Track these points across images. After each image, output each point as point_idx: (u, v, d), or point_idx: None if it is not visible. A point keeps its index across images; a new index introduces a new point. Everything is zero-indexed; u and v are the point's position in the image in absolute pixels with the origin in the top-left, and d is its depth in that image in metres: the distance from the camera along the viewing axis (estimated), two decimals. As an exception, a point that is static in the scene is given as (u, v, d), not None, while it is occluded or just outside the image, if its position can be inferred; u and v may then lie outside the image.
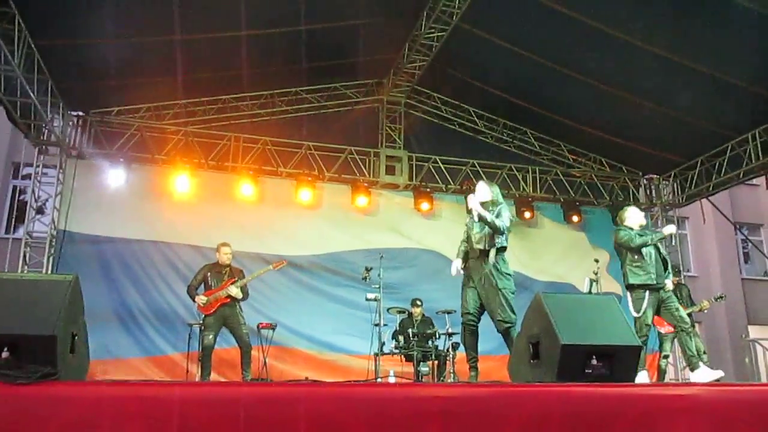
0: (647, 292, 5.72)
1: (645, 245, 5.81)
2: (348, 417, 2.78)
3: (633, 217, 6.11)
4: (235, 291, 7.22)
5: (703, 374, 5.45)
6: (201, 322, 7.60)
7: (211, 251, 9.52)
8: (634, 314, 5.76)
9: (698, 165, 11.06)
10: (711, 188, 11.02)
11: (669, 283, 5.88)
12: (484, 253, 5.28)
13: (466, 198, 5.71)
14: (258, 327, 8.37)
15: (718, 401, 3.27)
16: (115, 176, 9.59)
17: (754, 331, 17.51)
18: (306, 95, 10.82)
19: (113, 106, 9.84)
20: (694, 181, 11.24)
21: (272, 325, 8.51)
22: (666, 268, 5.91)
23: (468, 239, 5.47)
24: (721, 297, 9.79)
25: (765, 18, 7.49)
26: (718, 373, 5.55)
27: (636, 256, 5.83)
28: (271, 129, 10.49)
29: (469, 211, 5.57)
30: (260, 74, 9.89)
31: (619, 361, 3.31)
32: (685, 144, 10.76)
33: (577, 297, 3.74)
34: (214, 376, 7.96)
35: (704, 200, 11.62)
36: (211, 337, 7.12)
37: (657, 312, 5.84)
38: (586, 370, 3.25)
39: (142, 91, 9.62)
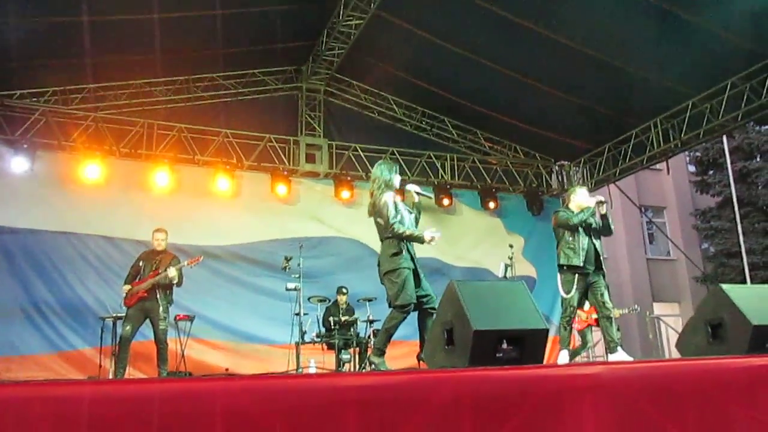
0: (576, 275, 5.86)
1: (583, 222, 5.88)
2: (264, 410, 2.77)
3: (578, 197, 6.10)
4: (173, 273, 7.01)
5: (621, 357, 5.73)
6: (117, 314, 7.42)
7: (124, 242, 9.27)
8: (563, 294, 5.91)
9: (605, 152, 11.59)
10: (617, 173, 11.58)
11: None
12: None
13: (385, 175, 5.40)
14: (175, 319, 8.17)
15: (620, 378, 3.46)
16: (18, 163, 9.05)
17: (658, 308, 18.63)
18: (223, 81, 10.57)
19: (15, 89, 9.28)
20: (602, 167, 11.78)
21: (190, 317, 8.34)
22: (598, 261, 5.98)
23: (411, 225, 5.15)
24: (635, 309, 10.40)
25: (666, 12, 7.92)
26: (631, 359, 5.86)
27: (571, 239, 5.92)
28: (186, 116, 10.20)
29: (404, 198, 5.38)
30: (174, 59, 9.57)
31: (529, 345, 3.46)
32: (593, 132, 11.24)
33: (489, 284, 3.88)
34: (129, 371, 7.75)
35: (612, 185, 12.19)
36: (128, 328, 6.90)
37: (584, 295, 6.05)
38: (497, 354, 3.38)
39: (47, 73, 9.12)
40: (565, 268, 5.94)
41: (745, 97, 9.00)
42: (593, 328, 9.28)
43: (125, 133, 9.77)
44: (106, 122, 9.67)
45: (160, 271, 6.99)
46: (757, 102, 8.88)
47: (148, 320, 7.00)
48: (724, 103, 9.27)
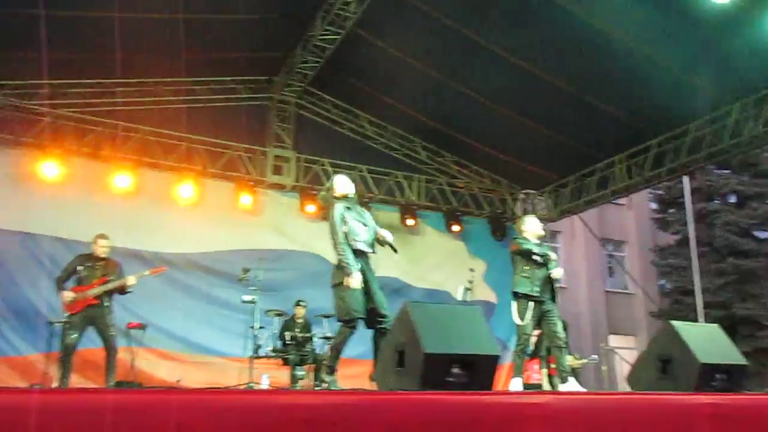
0: (531, 303, 5.87)
1: (531, 252, 5.92)
2: (213, 426, 2.70)
3: (530, 226, 6.16)
4: (133, 281, 6.82)
5: (572, 387, 5.75)
6: (65, 320, 7.10)
7: (80, 245, 8.95)
8: (518, 322, 5.91)
9: (570, 183, 11.77)
10: (581, 205, 11.75)
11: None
12: (367, 255, 5.12)
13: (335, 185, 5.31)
14: (126, 327, 7.96)
15: (568, 409, 3.46)
16: (-31, 158, 8.77)
17: (614, 341, 18.86)
18: (193, 87, 10.42)
19: (-30, 81, 9.01)
20: (566, 198, 11.94)
21: (143, 325, 8.12)
22: (553, 291, 6.01)
23: (360, 235, 5.05)
24: (594, 359, 10.48)
25: (633, 51, 8.12)
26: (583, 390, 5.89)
27: (527, 267, 5.93)
28: (153, 119, 9.98)
29: (351, 202, 5.26)
30: (141, 60, 9.38)
31: (479, 370, 3.43)
32: (560, 162, 11.41)
33: (443, 307, 3.85)
34: (76, 379, 7.48)
35: (575, 216, 12.36)
36: (74, 336, 6.65)
37: (538, 323, 6.06)
38: (448, 379, 3.34)
39: (4, 67, 8.83)
40: (520, 295, 5.95)
41: (706, 141, 9.25)
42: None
43: (87, 133, 9.54)
44: (68, 120, 9.43)
45: (110, 278, 6.79)
46: (718, 146, 9.13)
47: (90, 327, 6.76)
48: (687, 144, 9.52)
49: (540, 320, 5.99)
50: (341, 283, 4.85)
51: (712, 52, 7.77)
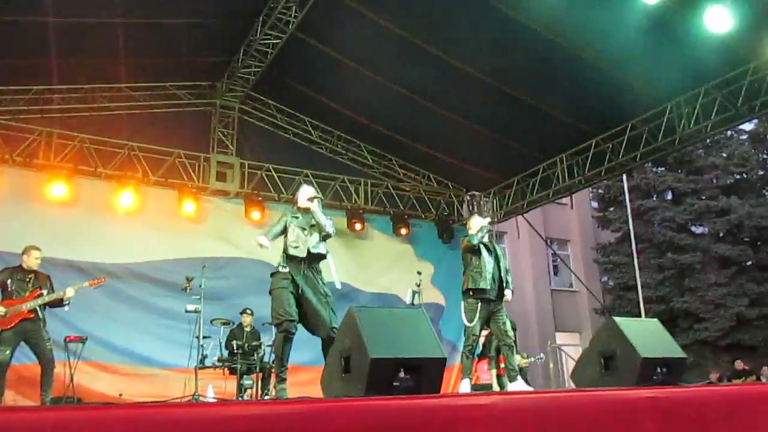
0: (479, 303, 5.95)
1: (480, 242, 6.11)
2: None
3: (475, 223, 6.44)
4: (72, 293, 6.58)
5: (520, 386, 5.86)
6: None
7: (11, 257, 8.56)
8: (466, 323, 6.00)
9: (515, 184, 11.96)
10: (525, 206, 11.95)
11: (508, 293, 6.16)
12: (315, 258, 5.07)
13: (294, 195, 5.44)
14: (65, 340, 7.67)
15: (514, 409, 3.48)
16: None
17: (560, 338, 19.25)
18: (131, 92, 10.14)
19: None
20: (510, 199, 12.13)
21: (82, 338, 7.83)
22: (501, 288, 6.14)
23: (298, 240, 5.04)
24: (541, 358, 10.70)
25: (574, 56, 8.31)
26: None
27: (477, 263, 6.07)
28: (90, 126, 9.70)
29: (297, 210, 5.27)
30: (76, 65, 9.09)
31: (426, 374, 3.42)
32: (503, 164, 11.59)
33: (389, 311, 3.82)
34: (9, 396, 7.17)
35: (520, 217, 12.56)
36: (8, 352, 6.33)
37: (486, 323, 6.13)
38: (394, 383, 3.32)
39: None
40: (470, 293, 6.05)
41: (643, 139, 9.54)
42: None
43: (20, 141, 9.20)
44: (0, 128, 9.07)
45: (43, 292, 6.52)
46: (654, 144, 9.43)
47: (22, 342, 6.48)
48: (624, 143, 9.80)
49: (488, 320, 6.06)
50: (271, 290, 4.98)
51: (647, 52, 8.00)
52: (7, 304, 6.38)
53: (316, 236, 5.13)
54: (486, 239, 6.23)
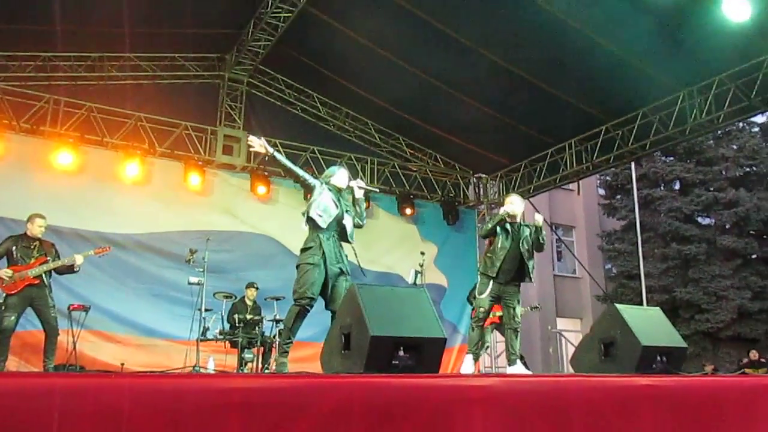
0: (491, 281, 5.96)
1: (488, 232, 6.03)
2: (143, 409, 2.62)
3: (506, 206, 6.14)
4: (81, 260, 6.65)
5: (519, 370, 5.90)
6: (1, 301, 6.81)
7: (17, 224, 8.59)
8: (477, 295, 6.05)
9: (522, 168, 11.89)
10: (532, 190, 11.90)
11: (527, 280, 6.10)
12: (344, 238, 5.04)
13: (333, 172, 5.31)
14: (69, 309, 7.70)
15: (512, 391, 3.48)
16: None
17: (561, 323, 19.29)
18: (139, 62, 10.08)
19: None
20: (517, 183, 12.07)
21: (85, 307, 7.86)
22: (518, 274, 6.02)
23: (328, 210, 4.95)
24: (536, 307, 10.70)
25: (589, 38, 8.21)
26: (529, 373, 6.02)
27: (491, 247, 6.02)
28: (98, 95, 9.65)
29: (337, 189, 5.18)
30: (86, 33, 9.03)
31: (426, 353, 3.42)
32: (511, 147, 11.52)
33: (390, 289, 3.82)
34: (13, 362, 7.25)
35: (526, 201, 12.51)
36: (12, 318, 6.39)
37: (497, 301, 6.11)
38: (394, 362, 3.32)
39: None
40: (481, 273, 6.12)
41: (653, 128, 9.46)
42: (497, 334, 9.47)
43: (28, 108, 9.16)
44: (6, 94, 9.02)
45: (48, 259, 6.57)
46: (664, 133, 9.34)
47: (28, 309, 6.54)
48: (634, 131, 9.71)
49: (499, 299, 6.05)
50: (299, 264, 4.89)
51: (663, 40, 7.90)
52: (15, 269, 6.42)
53: (350, 219, 5.11)
54: (495, 221, 6.07)
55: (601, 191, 21.89)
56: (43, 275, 6.54)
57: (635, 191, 16.08)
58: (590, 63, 8.66)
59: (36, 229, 6.71)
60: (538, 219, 6.07)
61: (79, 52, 9.53)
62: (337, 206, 5.02)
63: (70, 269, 6.77)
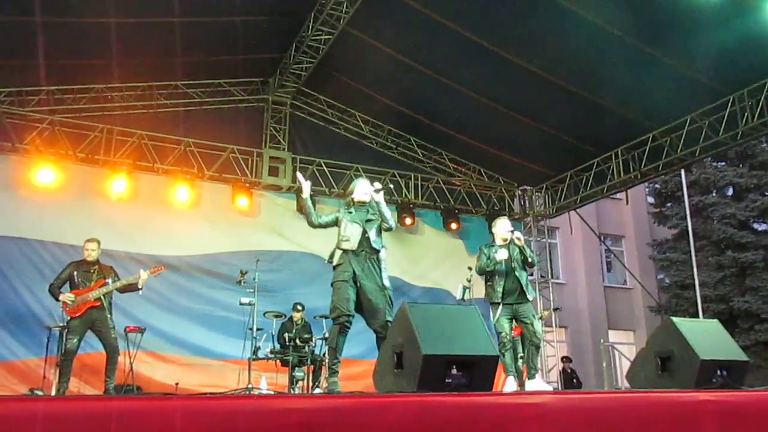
0: (500, 306, 6.09)
1: (484, 271, 6.25)
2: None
3: (498, 228, 6.42)
4: (145, 276, 6.86)
5: (539, 384, 5.97)
6: (64, 324, 7.06)
7: (77, 250, 8.89)
8: (494, 322, 6.13)
9: (567, 179, 11.75)
10: (578, 201, 11.74)
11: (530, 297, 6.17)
12: (374, 251, 5.03)
13: (346, 189, 5.41)
14: (125, 330, 7.94)
15: (567, 408, 3.44)
16: (-34, 165, 8.76)
17: (613, 336, 18.86)
18: (186, 90, 10.40)
19: (-33, 88, 8.98)
20: (563, 194, 11.92)
21: (141, 329, 8.10)
22: (523, 293, 6.15)
23: (347, 234, 5.02)
24: (557, 309, 10.54)
25: (634, 47, 8.11)
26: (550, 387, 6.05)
27: (490, 278, 6.24)
28: (147, 123, 10.00)
29: (350, 205, 5.22)
30: (135, 65, 9.37)
31: (478, 371, 3.41)
32: (556, 158, 11.39)
33: (441, 307, 3.82)
34: (74, 382, 7.48)
35: (572, 212, 12.35)
36: (75, 341, 6.62)
37: (515, 322, 6.25)
38: (447, 380, 3.32)
39: (2, 73, 8.82)
40: (490, 303, 6.24)
41: (703, 133, 9.23)
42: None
43: (83, 138, 9.54)
44: (63, 126, 9.44)
45: (108, 281, 6.77)
46: (714, 138, 9.11)
47: (89, 331, 6.75)
48: (683, 137, 9.50)
49: (515, 319, 6.15)
50: (332, 282, 4.98)
51: (709, 44, 7.74)
52: (75, 293, 6.65)
53: (374, 230, 5.10)
54: (490, 266, 6.20)
55: (651, 199, 21.37)
56: (103, 297, 6.74)
57: (686, 198, 15.69)
58: (633, 70, 8.53)
59: (86, 253, 6.94)
60: (516, 237, 6.26)
61: (129, 82, 9.88)
62: (360, 225, 5.07)
63: (133, 287, 6.95)
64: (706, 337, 4.51)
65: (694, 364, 4.24)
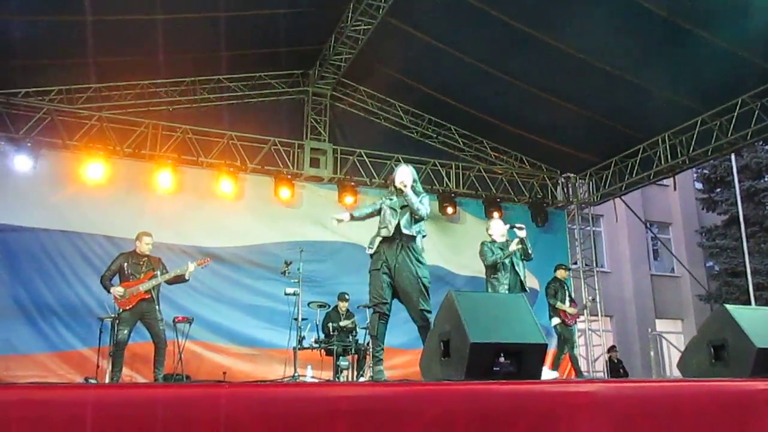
0: None
1: (496, 263, 6.57)
2: (258, 418, 2.73)
3: (495, 229, 6.84)
4: (193, 268, 7.04)
5: (548, 375, 6.30)
6: (116, 315, 7.26)
7: (126, 242, 9.15)
8: None
9: (612, 165, 11.52)
10: (624, 188, 11.51)
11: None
12: (408, 239, 5.01)
13: (387, 178, 5.54)
14: (174, 321, 8.12)
15: (618, 397, 3.38)
16: (21, 162, 9.05)
17: (660, 325, 18.47)
18: (228, 83, 10.57)
19: (20, 87, 9.25)
20: (608, 181, 11.70)
21: (189, 319, 8.27)
22: (523, 286, 6.68)
23: (385, 221, 5.08)
24: (585, 307, 10.44)
25: (679, 28, 7.87)
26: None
27: (493, 272, 6.59)
28: (191, 117, 10.20)
29: (392, 192, 5.26)
30: (179, 60, 9.56)
31: (527, 359, 3.38)
32: (600, 145, 11.18)
33: (488, 295, 3.81)
34: (126, 372, 7.68)
35: (617, 199, 12.11)
36: (126, 332, 6.81)
37: None
38: (494, 368, 3.29)
39: (52, 72, 9.13)
40: None
41: (755, 116, 8.92)
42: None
43: (129, 134, 9.77)
44: (110, 122, 9.67)
45: (157, 273, 6.94)
46: (767, 121, 8.80)
47: (139, 322, 6.93)
48: (733, 120, 9.21)
49: None
50: (370, 270, 5.14)
51: (761, 22, 7.45)
52: (125, 285, 6.83)
53: (407, 216, 5.07)
54: (503, 257, 6.63)
55: (699, 185, 20.80)
56: (152, 289, 6.91)
57: (737, 183, 15.23)
58: (681, 52, 8.29)
59: (144, 246, 7.12)
60: (520, 231, 6.65)
61: (174, 77, 10.07)
62: (396, 212, 5.09)
63: (181, 279, 7.14)
64: (762, 325, 4.36)
65: (749, 353, 4.11)
